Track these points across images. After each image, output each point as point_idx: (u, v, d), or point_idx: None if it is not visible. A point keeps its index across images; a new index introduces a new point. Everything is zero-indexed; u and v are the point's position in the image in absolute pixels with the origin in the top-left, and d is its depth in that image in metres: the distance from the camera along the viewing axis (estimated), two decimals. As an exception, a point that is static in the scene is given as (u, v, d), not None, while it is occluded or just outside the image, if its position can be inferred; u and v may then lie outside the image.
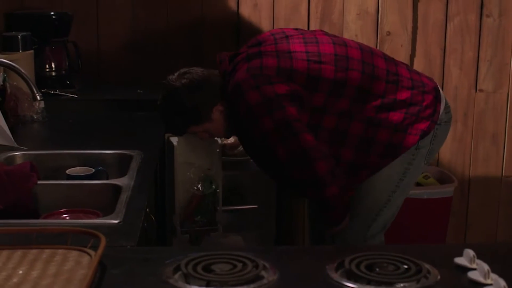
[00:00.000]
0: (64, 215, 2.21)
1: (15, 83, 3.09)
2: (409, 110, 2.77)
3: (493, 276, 1.50)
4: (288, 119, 2.61)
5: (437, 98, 2.85)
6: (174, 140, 3.18)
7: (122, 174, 2.43)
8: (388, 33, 4.07)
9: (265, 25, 4.01)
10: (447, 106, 2.92)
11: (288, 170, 2.68)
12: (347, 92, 2.72)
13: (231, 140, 3.26)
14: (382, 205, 2.86)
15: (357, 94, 2.73)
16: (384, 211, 2.87)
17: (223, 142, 3.26)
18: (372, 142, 2.75)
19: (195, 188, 3.18)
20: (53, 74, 3.69)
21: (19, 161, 2.60)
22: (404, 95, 2.79)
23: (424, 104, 2.81)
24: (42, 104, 3.14)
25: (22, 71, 2.40)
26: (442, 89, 3.98)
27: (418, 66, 4.09)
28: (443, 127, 2.89)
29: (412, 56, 4.10)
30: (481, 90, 4.14)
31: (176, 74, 2.77)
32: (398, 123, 2.76)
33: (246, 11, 4.01)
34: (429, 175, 3.92)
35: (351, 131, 2.73)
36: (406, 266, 1.54)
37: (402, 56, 4.08)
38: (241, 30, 4.04)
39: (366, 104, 2.74)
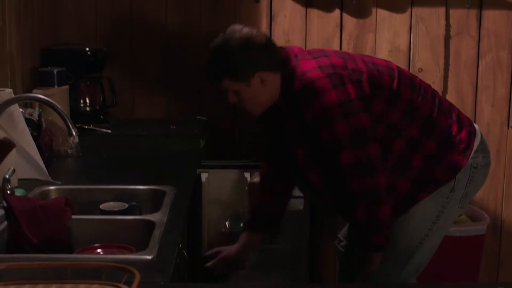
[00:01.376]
0: (98, 250, 2.22)
1: (50, 118, 3.13)
2: (444, 140, 2.76)
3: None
4: (364, 126, 2.61)
5: (471, 134, 2.83)
6: (204, 176, 3.19)
7: (155, 209, 2.44)
8: (420, 70, 4.07)
9: (297, 62, 4.04)
10: (486, 150, 2.88)
11: (349, 180, 2.63)
12: (401, 103, 2.72)
13: None
14: (415, 248, 2.82)
15: (409, 108, 2.73)
16: (417, 254, 2.83)
17: (252, 180, 3.27)
18: (407, 164, 2.73)
19: (223, 225, 3.17)
20: (88, 109, 3.74)
21: (53, 195, 2.63)
22: (443, 123, 2.78)
23: (458, 138, 2.79)
24: (76, 139, 3.16)
25: (58, 107, 2.43)
26: (474, 126, 3.98)
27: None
28: (480, 172, 2.84)
29: (444, 92, 4.11)
30: (513, 127, 4.14)
31: (243, 25, 2.73)
32: (432, 151, 2.74)
33: (278, 47, 4.04)
34: (462, 213, 3.90)
35: (394, 148, 2.71)
36: (439, 306, 1.54)
37: (434, 92, 4.08)
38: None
39: (413, 123, 2.73)
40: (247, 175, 3.26)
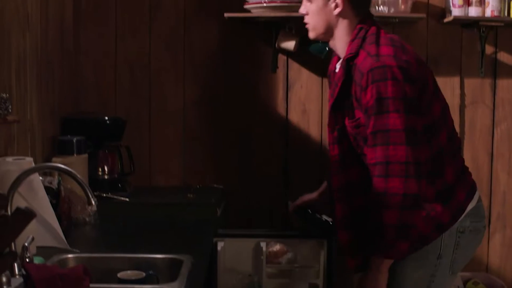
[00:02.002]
0: (115, 319, 2.24)
1: (69, 186, 3.16)
2: (443, 193, 2.69)
3: None
4: (415, 127, 2.55)
5: (468, 197, 2.76)
6: (220, 245, 3.20)
7: (172, 278, 2.45)
8: (435, 139, 4.10)
9: (313, 131, 4.09)
10: (478, 215, 2.77)
11: (392, 178, 2.55)
12: (434, 144, 2.67)
13: (276, 247, 3.27)
14: None
15: (436, 150, 2.68)
16: None
17: (268, 250, 3.27)
18: None
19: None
20: (106, 177, 3.76)
21: (71, 263, 2.64)
22: (448, 177, 2.72)
23: (455, 197, 2.72)
24: (94, 207, 3.20)
25: (79, 177, 2.45)
26: (490, 194, 4.00)
27: (465, 171, 4.11)
28: (468, 237, 2.74)
29: (460, 161, 4.12)
30: (529, 196, 4.14)
31: None
32: (428, 199, 2.65)
33: (294, 117, 4.09)
34: (478, 281, 3.88)
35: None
36: None
37: (449, 161, 4.10)
38: (290, 134, 4.11)
39: (428, 164, 2.64)
40: (263, 244, 3.27)
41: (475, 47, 4.11)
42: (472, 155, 4.13)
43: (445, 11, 4.06)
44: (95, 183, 3.58)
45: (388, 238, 2.57)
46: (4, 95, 2.53)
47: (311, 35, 2.86)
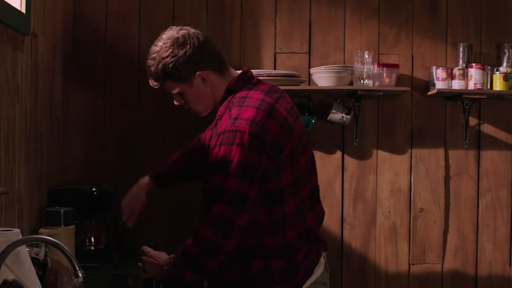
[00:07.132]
0: None
1: (55, 257, 3.15)
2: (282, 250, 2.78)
3: None
4: (247, 193, 2.67)
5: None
6: None
7: None
8: (421, 210, 4.13)
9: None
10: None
11: (200, 219, 2.72)
12: (278, 209, 2.77)
13: None
14: None
15: (279, 219, 2.78)
16: None
17: None
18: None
19: None
20: (92, 248, 3.75)
21: (57, 336, 2.63)
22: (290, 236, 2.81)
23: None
24: (81, 279, 3.17)
25: (66, 249, 2.46)
26: (476, 265, 4.02)
27: (451, 241, 4.13)
28: None
29: (446, 232, 4.15)
30: (515, 266, 4.15)
31: (180, 27, 2.85)
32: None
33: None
34: None
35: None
36: None
37: (435, 231, 4.12)
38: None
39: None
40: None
41: (459, 119, 4.17)
42: (458, 226, 4.16)
43: (429, 84, 4.13)
44: (81, 254, 3.56)
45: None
46: (-7, 167, 2.54)
47: (201, 114, 2.95)
